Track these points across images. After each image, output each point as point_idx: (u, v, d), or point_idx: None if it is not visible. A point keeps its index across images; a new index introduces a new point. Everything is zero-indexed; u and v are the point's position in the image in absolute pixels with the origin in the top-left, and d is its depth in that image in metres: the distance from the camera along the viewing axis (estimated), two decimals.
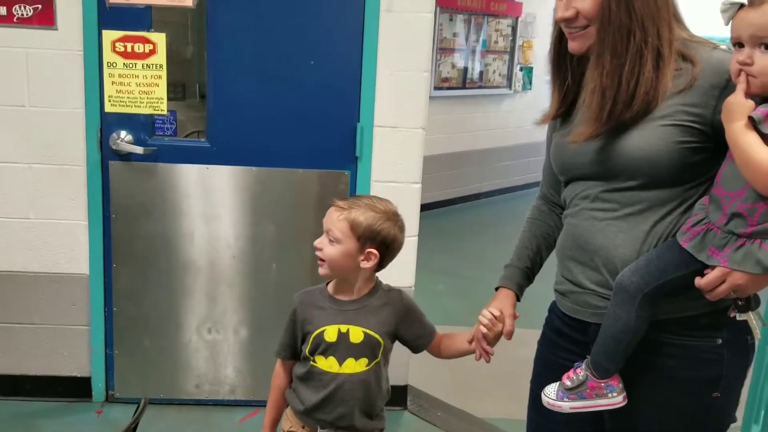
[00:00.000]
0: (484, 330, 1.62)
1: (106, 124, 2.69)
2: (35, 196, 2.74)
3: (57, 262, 2.81)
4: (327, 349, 1.69)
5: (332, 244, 1.66)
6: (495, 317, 1.62)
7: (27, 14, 2.56)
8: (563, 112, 1.52)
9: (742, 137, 1.22)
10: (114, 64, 2.61)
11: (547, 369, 1.59)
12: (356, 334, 1.69)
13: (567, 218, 1.53)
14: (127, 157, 2.72)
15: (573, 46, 1.43)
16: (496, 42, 7.05)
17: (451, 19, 6.48)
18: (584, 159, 1.45)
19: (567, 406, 1.46)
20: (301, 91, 2.72)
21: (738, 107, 1.23)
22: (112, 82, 2.63)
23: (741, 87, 1.24)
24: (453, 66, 6.62)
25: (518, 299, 1.68)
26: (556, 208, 1.67)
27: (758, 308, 1.37)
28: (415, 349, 1.82)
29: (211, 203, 2.81)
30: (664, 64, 1.35)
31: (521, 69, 7.35)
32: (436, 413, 3.04)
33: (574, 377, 1.46)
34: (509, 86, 7.30)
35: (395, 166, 2.76)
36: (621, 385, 1.44)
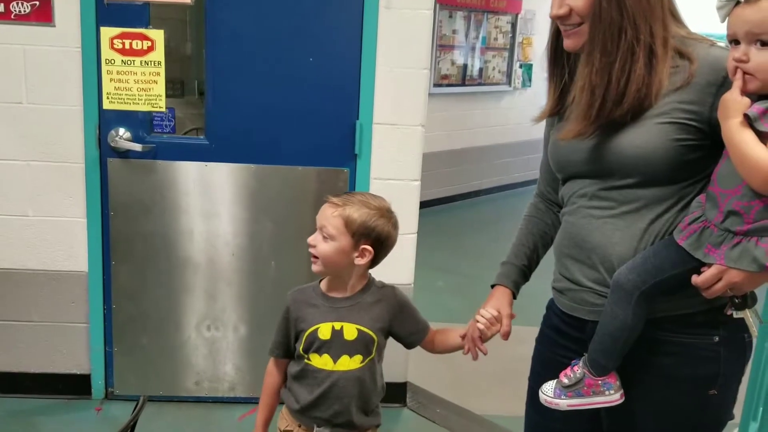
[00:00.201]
0: (482, 328, 1.62)
1: (104, 121, 2.69)
2: (33, 194, 2.74)
3: (56, 260, 2.81)
4: (321, 347, 1.69)
5: (326, 240, 1.65)
6: (493, 317, 1.62)
7: (24, 11, 2.55)
8: (560, 109, 1.52)
9: (737, 135, 1.22)
10: (112, 61, 2.61)
11: (544, 366, 1.59)
12: (350, 331, 1.69)
13: (564, 216, 1.54)
14: (125, 154, 2.72)
15: (568, 43, 1.43)
16: (496, 39, 7.04)
17: (450, 16, 6.47)
18: (580, 157, 1.45)
19: (564, 403, 1.47)
20: (300, 89, 2.71)
21: (734, 104, 1.23)
22: (111, 79, 2.62)
23: (737, 84, 1.23)
24: (452, 63, 6.61)
25: (514, 297, 1.68)
26: (553, 206, 1.67)
27: (755, 306, 1.38)
28: (409, 345, 1.82)
29: (209, 200, 2.80)
30: (657, 61, 1.35)
31: (521, 66, 7.34)
32: (436, 410, 3.05)
33: (572, 375, 1.46)
34: (509, 83, 7.29)
35: (394, 163, 2.76)
36: (618, 383, 1.44)
